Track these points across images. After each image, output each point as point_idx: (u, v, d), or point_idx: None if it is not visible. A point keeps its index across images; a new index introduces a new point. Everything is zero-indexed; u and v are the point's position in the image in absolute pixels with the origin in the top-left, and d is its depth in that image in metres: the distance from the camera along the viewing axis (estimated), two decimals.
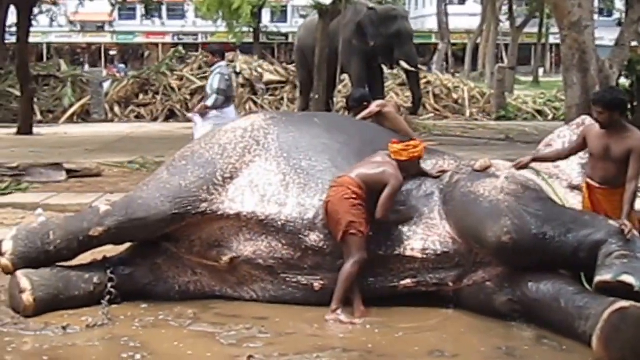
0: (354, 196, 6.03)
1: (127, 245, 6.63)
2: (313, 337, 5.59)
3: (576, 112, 12.42)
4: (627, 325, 5.09)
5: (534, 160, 6.50)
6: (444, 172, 6.42)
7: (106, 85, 23.82)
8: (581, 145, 6.28)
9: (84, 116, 22.89)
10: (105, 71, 33.68)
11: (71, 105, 22.87)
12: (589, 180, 6.20)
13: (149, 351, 5.34)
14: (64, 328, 5.73)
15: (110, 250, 6.65)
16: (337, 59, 17.60)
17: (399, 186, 6.14)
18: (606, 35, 30.78)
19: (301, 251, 6.14)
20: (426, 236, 6.10)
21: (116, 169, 13.08)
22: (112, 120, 22.74)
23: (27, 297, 5.96)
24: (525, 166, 6.40)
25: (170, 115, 23.04)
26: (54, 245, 6.24)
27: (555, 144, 6.73)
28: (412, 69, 17.51)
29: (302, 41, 19.75)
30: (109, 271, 6.28)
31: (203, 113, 10.89)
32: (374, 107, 8.07)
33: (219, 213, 6.24)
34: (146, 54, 55.45)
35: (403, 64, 17.30)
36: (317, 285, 6.17)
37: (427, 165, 6.57)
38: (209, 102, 10.91)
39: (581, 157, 6.51)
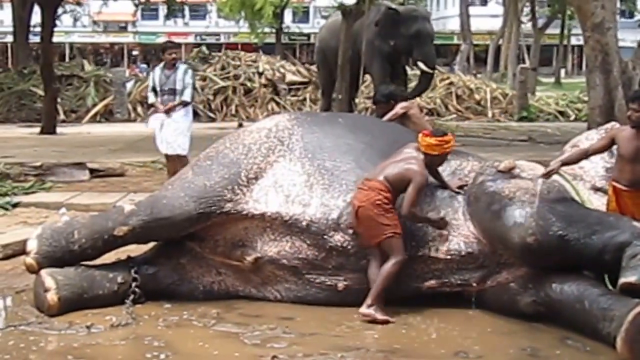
0: (386, 201, 6.01)
1: (151, 244, 6.65)
2: (337, 337, 5.59)
3: (599, 113, 12.41)
4: None
5: (563, 164, 6.31)
6: (462, 187, 6.36)
7: (129, 85, 23.91)
8: (607, 145, 6.22)
9: (107, 116, 23.00)
10: (128, 71, 33.79)
11: (94, 105, 22.98)
12: (615, 183, 6.15)
13: (172, 351, 5.35)
14: (88, 327, 5.75)
15: (134, 250, 6.68)
16: (360, 60, 17.54)
17: (424, 182, 6.07)
18: (628, 37, 30.67)
19: (325, 251, 6.14)
20: (450, 237, 6.09)
21: (139, 169, 13.11)
22: (134, 120, 22.80)
23: (51, 296, 5.98)
24: (554, 173, 6.22)
25: (193, 115, 22.98)
26: (78, 244, 6.26)
27: (582, 145, 6.65)
28: (429, 71, 17.43)
29: (324, 42, 19.66)
30: (133, 270, 6.29)
31: (170, 109, 10.58)
32: (398, 109, 8.04)
33: (244, 213, 6.26)
34: None
35: (421, 64, 17.22)
36: (340, 285, 6.16)
37: (452, 165, 6.54)
38: (188, 97, 10.69)
39: (606, 161, 6.47)
